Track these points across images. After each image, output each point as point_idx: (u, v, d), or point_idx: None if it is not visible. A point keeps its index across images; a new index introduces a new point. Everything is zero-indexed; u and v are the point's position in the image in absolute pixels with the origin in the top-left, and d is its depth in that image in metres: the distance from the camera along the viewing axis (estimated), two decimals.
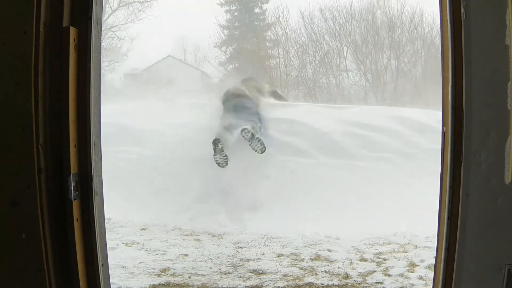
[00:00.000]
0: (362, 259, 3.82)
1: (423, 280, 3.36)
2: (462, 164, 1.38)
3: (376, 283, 3.34)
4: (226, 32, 24.99)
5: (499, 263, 1.38)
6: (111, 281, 1.63)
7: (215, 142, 5.51)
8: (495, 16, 1.35)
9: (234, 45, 24.55)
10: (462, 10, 1.35)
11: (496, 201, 1.37)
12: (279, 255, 3.92)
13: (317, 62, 23.93)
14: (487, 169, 1.37)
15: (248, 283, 3.30)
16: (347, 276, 3.45)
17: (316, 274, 3.49)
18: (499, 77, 1.36)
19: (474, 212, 1.38)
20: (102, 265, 1.52)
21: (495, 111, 1.37)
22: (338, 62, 23.77)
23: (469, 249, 1.39)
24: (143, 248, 4.07)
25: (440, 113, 1.53)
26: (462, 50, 1.38)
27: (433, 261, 1.86)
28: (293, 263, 3.74)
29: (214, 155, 5.47)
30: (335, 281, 3.36)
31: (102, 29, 1.59)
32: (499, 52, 1.35)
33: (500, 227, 1.37)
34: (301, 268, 3.61)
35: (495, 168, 1.36)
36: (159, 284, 3.30)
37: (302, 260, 3.81)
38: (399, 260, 3.77)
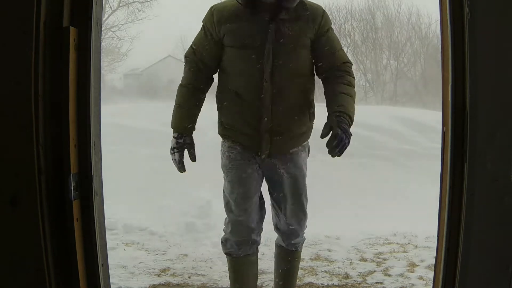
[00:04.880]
0: (362, 259, 3.82)
1: (423, 280, 3.35)
2: (466, 164, 1.38)
3: (376, 283, 3.34)
4: None
5: (506, 262, 1.38)
6: (111, 281, 1.63)
7: None
8: (503, 16, 1.35)
9: None
10: (467, 10, 1.35)
11: (503, 200, 1.37)
12: None
13: None
14: (493, 169, 1.37)
15: None
16: (347, 276, 3.45)
17: (316, 274, 3.49)
18: (505, 77, 1.36)
19: (480, 212, 1.38)
20: (102, 265, 1.52)
21: (501, 111, 1.37)
22: None
23: (474, 249, 1.39)
24: (143, 248, 4.07)
25: (440, 112, 1.53)
26: (462, 50, 1.38)
27: (433, 261, 1.87)
28: None
29: None
30: (335, 281, 3.36)
31: (102, 29, 1.59)
32: (505, 52, 1.35)
33: (506, 226, 1.37)
34: (301, 268, 3.60)
35: (502, 167, 1.37)
36: (159, 284, 3.30)
37: (302, 260, 3.80)
38: (399, 260, 3.77)
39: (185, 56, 2.42)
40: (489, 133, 1.37)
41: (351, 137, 2.14)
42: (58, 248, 1.41)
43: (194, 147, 2.40)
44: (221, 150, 2.46)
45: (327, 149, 2.15)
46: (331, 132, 2.12)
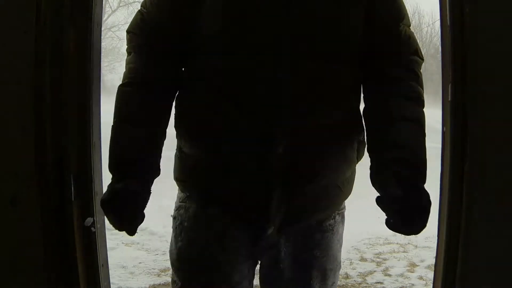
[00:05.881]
0: (362, 259, 3.82)
1: (423, 280, 3.36)
2: (467, 164, 1.38)
3: (376, 283, 3.34)
4: None
5: (506, 263, 1.38)
6: (111, 281, 1.63)
7: None
8: (503, 16, 1.35)
9: None
10: (467, 10, 1.35)
11: (503, 200, 1.37)
12: None
13: None
14: (493, 169, 1.37)
15: None
16: (347, 276, 3.44)
17: None
18: (505, 77, 1.36)
19: (480, 212, 1.38)
20: (102, 265, 1.52)
21: (501, 112, 1.37)
22: None
23: (474, 249, 1.39)
24: (143, 248, 4.07)
25: (440, 112, 1.53)
26: (462, 50, 1.38)
27: (433, 261, 1.87)
28: None
29: None
30: None
31: (102, 29, 1.59)
32: (505, 52, 1.35)
33: (506, 227, 1.37)
34: None
35: (502, 167, 1.36)
36: (159, 284, 3.30)
37: None
38: (399, 260, 3.77)
39: (128, 32, 1.22)
40: (490, 134, 1.37)
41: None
42: (58, 248, 1.41)
43: (146, 199, 1.20)
44: (172, 227, 1.30)
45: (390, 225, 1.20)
46: (385, 193, 1.23)
